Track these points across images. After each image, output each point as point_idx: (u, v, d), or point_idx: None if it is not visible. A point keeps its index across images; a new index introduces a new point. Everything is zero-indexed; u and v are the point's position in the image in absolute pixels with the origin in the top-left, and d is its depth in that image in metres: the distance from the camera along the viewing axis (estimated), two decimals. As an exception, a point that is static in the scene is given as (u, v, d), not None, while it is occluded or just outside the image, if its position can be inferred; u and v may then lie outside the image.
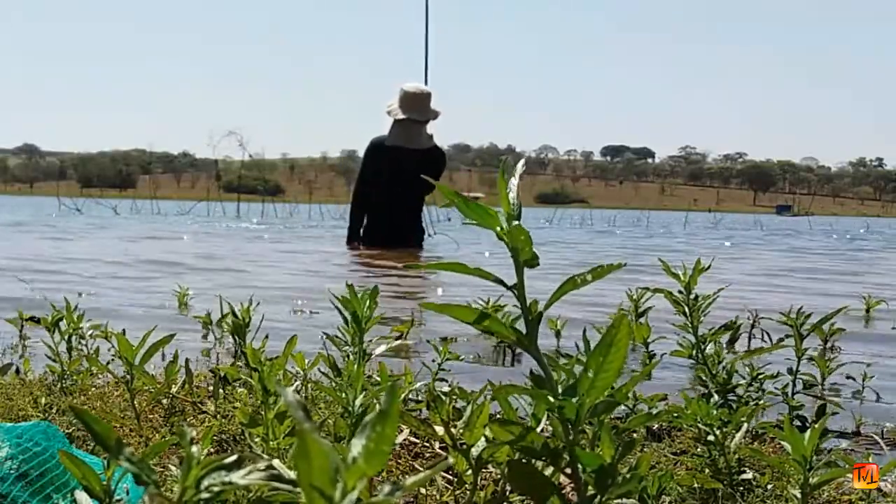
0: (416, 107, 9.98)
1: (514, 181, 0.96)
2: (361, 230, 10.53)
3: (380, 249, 9.67)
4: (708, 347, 2.16)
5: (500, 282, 0.97)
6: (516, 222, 0.93)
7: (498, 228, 0.94)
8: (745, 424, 1.73)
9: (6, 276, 5.96)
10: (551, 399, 0.95)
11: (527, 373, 1.05)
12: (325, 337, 2.07)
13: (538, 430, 1.12)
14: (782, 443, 1.43)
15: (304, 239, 13.67)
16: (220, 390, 2.28)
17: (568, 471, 1.00)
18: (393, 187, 9.88)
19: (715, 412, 1.69)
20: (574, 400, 0.95)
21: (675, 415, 1.73)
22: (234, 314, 2.63)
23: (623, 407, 2.02)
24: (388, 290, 5.56)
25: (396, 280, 6.44)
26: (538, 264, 0.95)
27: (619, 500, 1.00)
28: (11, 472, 1.37)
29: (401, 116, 10.00)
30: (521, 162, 0.99)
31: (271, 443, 1.53)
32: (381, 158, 10.08)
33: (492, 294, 3.43)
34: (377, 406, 0.52)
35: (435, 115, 10.20)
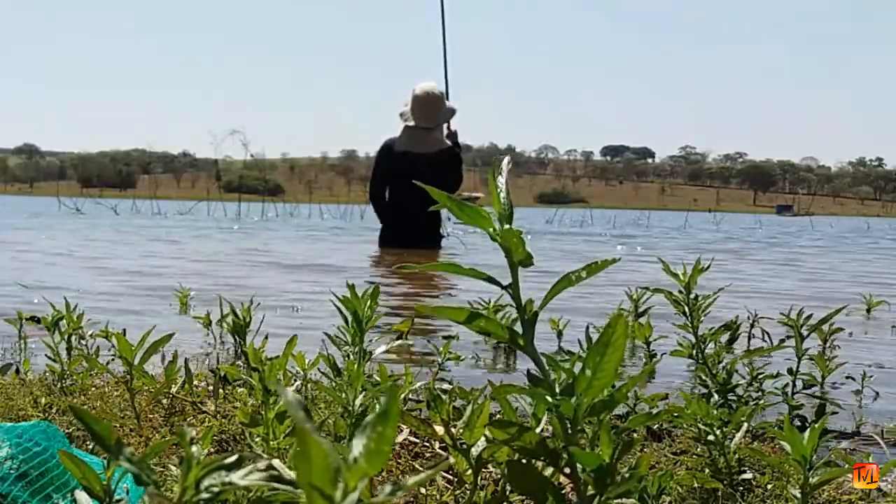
0: (426, 112, 9.93)
1: (503, 180, 0.96)
2: (378, 233, 10.59)
3: (397, 250, 9.69)
4: (708, 347, 2.16)
5: (495, 281, 0.97)
6: (507, 225, 0.93)
7: (491, 229, 0.94)
8: (745, 424, 1.73)
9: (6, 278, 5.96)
10: (549, 398, 0.95)
11: (528, 371, 1.05)
12: (325, 337, 2.07)
13: (538, 429, 1.12)
14: (782, 443, 1.43)
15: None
16: (221, 390, 2.28)
17: (567, 470, 1.00)
18: (406, 193, 9.84)
19: (715, 412, 1.69)
20: (572, 399, 0.95)
21: (675, 415, 1.73)
22: (234, 314, 2.64)
23: (624, 407, 2.02)
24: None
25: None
26: (532, 263, 0.95)
27: (618, 500, 1.00)
28: (11, 472, 1.38)
29: (411, 123, 9.97)
30: (507, 159, 0.99)
31: (271, 443, 1.53)
32: (392, 163, 10.06)
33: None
34: (377, 406, 0.52)
35: (448, 116, 10.14)
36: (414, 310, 2.93)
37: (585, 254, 11.31)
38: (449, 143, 10.05)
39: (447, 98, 10.24)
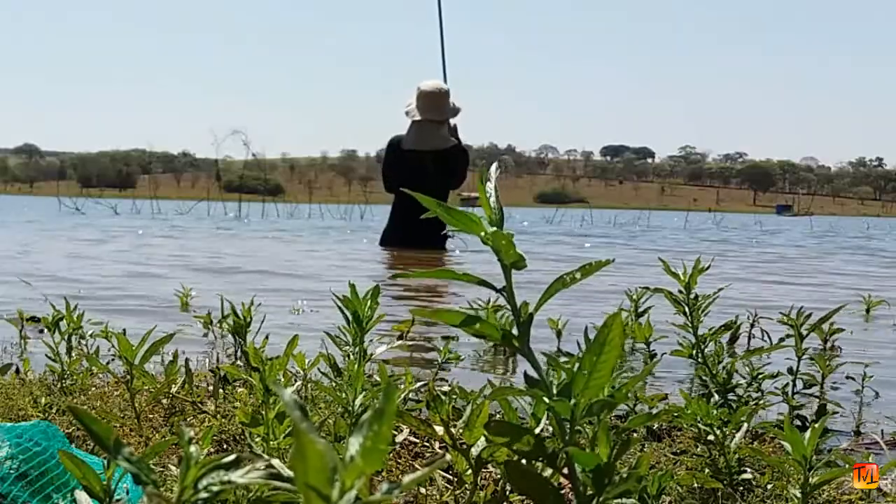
0: (433, 107, 9.88)
1: (491, 185, 0.97)
2: (384, 231, 10.55)
3: (403, 249, 9.66)
4: (708, 347, 2.16)
5: (489, 285, 0.98)
6: (495, 228, 0.94)
7: (482, 233, 0.94)
8: (745, 424, 1.73)
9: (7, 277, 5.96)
10: (546, 399, 0.95)
11: (527, 372, 1.05)
12: (325, 336, 2.07)
13: (538, 430, 1.12)
14: (782, 443, 1.43)
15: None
16: (221, 390, 2.28)
17: (566, 471, 1.00)
18: (413, 189, 9.71)
19: (715, 412, 1.69)
20: (570, 400, 0.95)
21: (675, 415, 1.73)
22: (235, 314, 2.64)
23: (624, 407, 2.02)
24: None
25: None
26: (525, 265, 0.96)
27: (617, 500, 1.00)
28: (11, 472, 1.38)
29: (417, 118, 9.93)
30: (495, 165, 1.00)
31: (271, 442, 1.53)
32: (400, 160, 10.02)
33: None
34: (375, 405, 0.52)
35: (454, 112, 10.10)
36: (410, 312, 2.93)
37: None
38: (455, 140, 10.01)
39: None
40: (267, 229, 17.26)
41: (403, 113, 10.14)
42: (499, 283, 0.99)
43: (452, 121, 10.16)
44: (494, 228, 0.94)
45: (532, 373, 0.99)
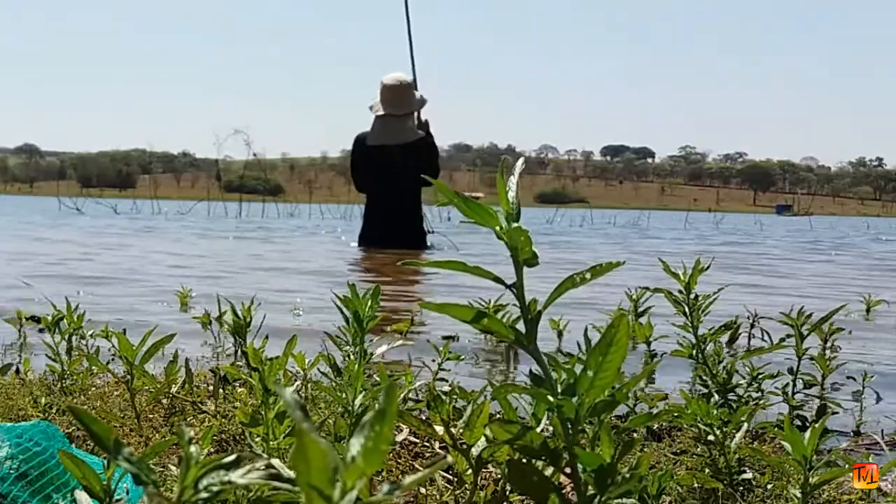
0: (395, 100, 9.72)
1: (514, 180, 0.96)
2: (360, 231, 10.41)
3: (381, 250, 9.51)
4: (708, 347, 2.16)
5: (500, 280, 0.97)
6: (514, 224, 0.93)
7: (498, 227, 0.94)
8: (745, 424, 1.73)
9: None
10: (550, 398, 0.95)
11: (527, 372, 1.05)
12: (325, 336, 2.06)
13: (538, 429, 1.12)
14: (782, 442, 1.43)
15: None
16: (220, 390, 2.28)
17: (568, 470, 1.00)
18: (384, 186, 9.63)
19: (715, 412, 1.69)
20: (574, 399, 0.95)
21: (676, 415, 1.73)
22: (234, 314, 2.63)
23: (624, 406, 2.02)
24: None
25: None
26: (538, 263, 0.95)
27: (618, 500, 1.00)
28: (11, 472, 1.37)
29: (380, 113, 9.81)
30: (521, 161, 0.99)
31: (271, 442, 1.53)
32: (366, 157, 9.88)
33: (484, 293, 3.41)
34: (376, 405, 0.52)
35: (420, 104, 9.94)
36: (418, 305, 2.92)
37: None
38: (422, 132, 9.84)
39: (416, 89, 10.06)
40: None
41: (368, 108, 9.98)
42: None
43: (424, 115, 9.99)
44: (514, 224, 0.93)
45: (538, 371, 0.98)
